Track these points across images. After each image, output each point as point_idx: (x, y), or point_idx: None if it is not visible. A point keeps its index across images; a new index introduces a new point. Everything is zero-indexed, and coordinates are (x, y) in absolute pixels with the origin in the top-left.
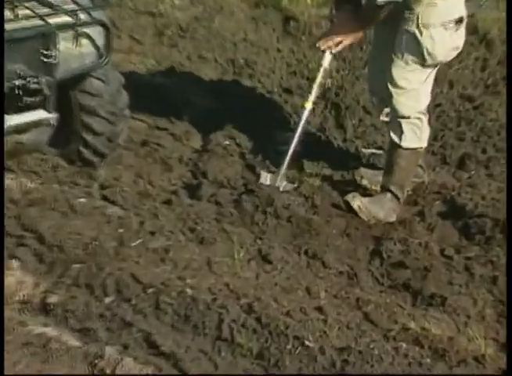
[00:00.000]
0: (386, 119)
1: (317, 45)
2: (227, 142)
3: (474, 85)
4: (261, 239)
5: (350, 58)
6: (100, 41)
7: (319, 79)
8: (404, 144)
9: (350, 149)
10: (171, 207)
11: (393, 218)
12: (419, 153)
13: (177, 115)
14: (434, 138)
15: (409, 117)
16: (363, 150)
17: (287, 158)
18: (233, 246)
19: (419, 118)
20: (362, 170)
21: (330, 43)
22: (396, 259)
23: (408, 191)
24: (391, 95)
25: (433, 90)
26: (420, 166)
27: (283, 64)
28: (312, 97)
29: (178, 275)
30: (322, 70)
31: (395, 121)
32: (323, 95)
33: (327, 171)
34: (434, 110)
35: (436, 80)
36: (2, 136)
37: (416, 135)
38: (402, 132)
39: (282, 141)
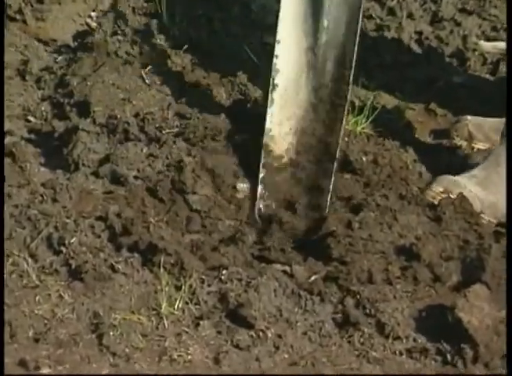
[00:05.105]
0: None
1: None
2: None
3: None
4: (226, 268)
5: None
6: None
7: None
8: None
9: (443, 48)
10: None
11: None
12: None
13: None
14: None
15: None
16: (481, 44)
17: None
18: (156, 284)
19: None
20: (473, 120)
21: None
22: None
23: None
24: None
25: None
26: None
27: None
28: None
29: (30, 355)
30: None
31: None
32: None
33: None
34: None
35: None
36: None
37: None
38: None
39: None
